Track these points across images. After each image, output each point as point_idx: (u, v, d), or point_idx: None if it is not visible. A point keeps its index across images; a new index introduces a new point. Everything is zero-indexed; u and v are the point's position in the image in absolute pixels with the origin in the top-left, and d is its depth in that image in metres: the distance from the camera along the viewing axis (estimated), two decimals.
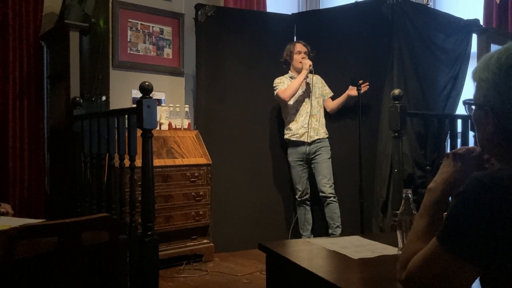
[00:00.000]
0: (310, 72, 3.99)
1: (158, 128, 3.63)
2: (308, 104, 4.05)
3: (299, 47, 4.10)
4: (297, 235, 4.17)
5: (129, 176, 2.92)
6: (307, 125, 4.00)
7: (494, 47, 3.97)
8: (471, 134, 3.58)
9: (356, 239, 1.87)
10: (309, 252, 1.75)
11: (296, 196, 4.14)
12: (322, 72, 4.22)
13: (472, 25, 4.21)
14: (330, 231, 4.00)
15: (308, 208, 4.12)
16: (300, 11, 5.53)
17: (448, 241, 0.94)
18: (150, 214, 2.79)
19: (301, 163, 4.08)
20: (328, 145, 4.07)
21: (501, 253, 0.88)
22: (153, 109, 2.77)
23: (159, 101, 3.96)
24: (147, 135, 2.77)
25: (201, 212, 3.77)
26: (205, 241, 3.85)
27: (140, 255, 2.72)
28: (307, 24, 4.49)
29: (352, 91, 3.92)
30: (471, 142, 3.64)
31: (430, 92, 4.03)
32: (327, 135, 4.08)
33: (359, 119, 3.69)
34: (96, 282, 1.77)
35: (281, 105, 4.16)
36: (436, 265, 0.96)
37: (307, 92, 4.07)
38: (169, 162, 3.63)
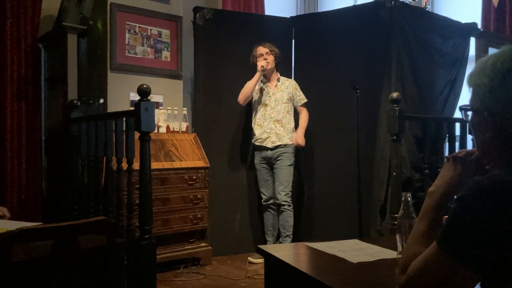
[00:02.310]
0: (264, 73, 4.02)
1: (156, 131, 3.63)
2: (274, 109, 4.03)
3: (260, 49, 4.07)
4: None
5: (127, 179, 2.91)
6: (270, 130, 4.00)
7: (492, 51, 3.97)
8: (469, 137, 3.58)
9: (354, 243, 1.86)
10: (307, 255, 1.74)
11: (262, 201, 4.08)
12: (320, 75, 4.22)
13: (470, 28, 4.22)
14: (280, 239, 3.99)
15: (274, 213, 4.06)
16: (298, 14, 5.54)
17: (448, 245, 0.93)
18: (147, 217, 2.78)
19: (265, 166, 4.06)
20: (292, 151, 4.03)
21: (501, 258, 0.88)
22: (151, 112, 2.76)
23: (157, 104, 3.95)
24: (145, 138, 2.75)
25: (199, 216, 3.76)
26: (203, 244, 3.83)
27: (138, 259, 2.70)
28: (305, 28, 4.49)
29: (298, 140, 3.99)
30: (469, 146, 3.65)
31: (428, 96, 4.03)
32: (291, 142, 4.02)
33: (357, 123, 3.68)
34: (93, 286, 1.76)
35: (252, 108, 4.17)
36: (436, 269, 0.95)
37: (273, 97, 4.05)
38: (167, 165, 3.62)
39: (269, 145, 4.00)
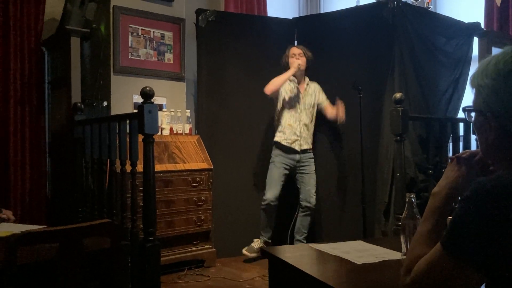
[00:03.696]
0: (300, 73, 4.04)
1: (159, 133, 3.63)
2: (304, 113, 4.05)
3: (294, 50, 4.09)
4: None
5: (131, 181, 2.92)
6: (299, 133, 4.01)
7: (495, 50, 3.97)
8: (473, 137, 3.57)
9: (359, 244, 1.86)
10: (311, 257, 1.74)
11: (266, 198, 3.98)
12: (323, 76, 4.21)
13: (473, 28, 4.21)
14: (298, 237, 4.00)
15: (274, 214, 4.03)
16: (301, 15, 5.54)
17: (452, 247, 0.93)
18: (151, 219, 2.79)
19: (285, 168, 4.02)
20: (313, 157, 4.11)
21: (506, 258, 0.88)
22: (155, 114, 2.77)
23: (160, 106, 3.96)
24: (149, 140, 2.76)
25: (202, 217, 3.76)
26: (207, 246, 3.83)
27: (142, 261, 2.71)
28: (308, 28, 4.49)
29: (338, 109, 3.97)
30: (473, 146, 3.63)
31: (432, 96, 4.02)
32: (311, 147, 4.10)
33: (360, 123, 3.68)
34: None
35: (276, 106, 4.11)
36: (441, 270, 0.95)
37: (304, 101, 4.07)
38: (170, 167, 3.63)
39: (297, 148, 4.01)
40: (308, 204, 4.00)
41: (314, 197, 4.01)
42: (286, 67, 4.08)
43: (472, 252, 0.90)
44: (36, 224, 2.68)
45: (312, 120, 4.11)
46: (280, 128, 4.08)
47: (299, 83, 4.12)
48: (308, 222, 4.03)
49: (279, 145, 4.07)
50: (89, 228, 1.72)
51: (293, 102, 4.06)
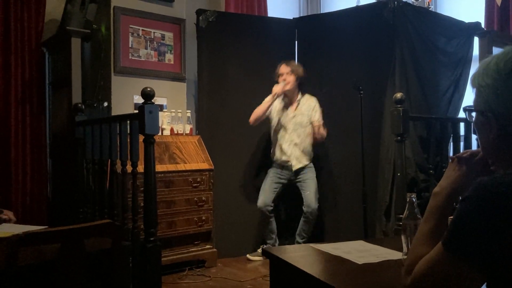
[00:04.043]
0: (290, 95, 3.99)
1: (160, 133, 3.63)
2: (294, 132, 3.99)
3: (282, 68, 3.99)
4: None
5: (131, 182, 2.92)
6: (290, 154, 3.97)
7: (496, 50, 3.97)
8: (473, 137, 3.57)
9: (360, 244, 1.86)
10: (313, 257, 1.74)
11: (259, 205, 3.99)
12: (324, 77, 4.21)
13: (473, 28, 4.21)
14: (299, 239, 3.98)
15: (271, 219, 4.04)
16: (301, 15, 5.54)
17: (453, 246, 0.93)
18: (152, 220, 2.79)
19: (282, 179, 4.02)
20: (312, 166, 4.05)
21: (506, 258, 0.88)
22: (155, 115, 2.77)
23: (161, 107, 3.96)
24: (149, 141, 2.77)
25: (203, 218, 3.76)
26: (208, 246, 3.83)
27: (143, 261, 2.71)
28: (308, 29, 4.49)
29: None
30: (474, 146, 3.63)
31: (432, 96, 4.02)
32: (309, 162, 4.03)
33: (361, 123, 3.68)
34: None
35: (271, 123, 4.12)
36: (442, 270, 0.95)
37: (293, 121, 4.00)
38: (171, 167, 3.63)
39: (289, 169, 4.00)
40: (307, 209, 3.93)
41: (315, 201, 3.94)
42: (277, 81, 4.03)
43: (473, 252, 0.90)
44: (37, 225, 2.67)
45: (304, 138, 4.00)
46: (273, 146, 4.09)
47: (290, 101, 4.05)
48: (308, 227, 3.96)
49: (273, 161, 4.09)
50: (90, 228, 1.72)
51: (282, 123, 4.03)
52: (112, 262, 1.76)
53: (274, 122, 4.07)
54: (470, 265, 0.91)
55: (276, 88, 3.93)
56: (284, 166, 4.01)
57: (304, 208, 3.96)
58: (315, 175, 4.04)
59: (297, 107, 4.03)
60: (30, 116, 3.92)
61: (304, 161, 4.00)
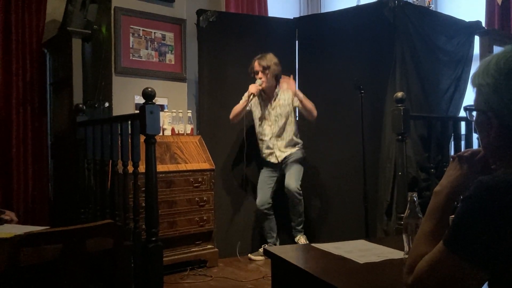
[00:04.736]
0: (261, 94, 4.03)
1: (161, 133, 3.63)
2: (274, 124, 4.03)
3: (255, 66, 4.00)
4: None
5: (133, 182, 2.92)
6: (272, 146, 4.04)
7: (496, 49, 3.97)
8: (474, 136, 3.57)
9: (361, 243, 1.86)
10: (314, 256, 1.74)
11: (257, 204, 4.06)
12: (324, 76, 4.21)
13: (474, 27, 4.20)
14: (294, 225, 4.05)
15: (270, 217, 4.06)
16: (302, 15, 5.54)
17: (455, 245, 0.93)
18: (154, 220, 2.79)
19: (269, 172, 4.09)
20: (298, 150, 4.06)
21: (508, 257, 0.88)
22: (156, 115, 2.77)
23: (162, 107, 3.96)
24: (150, 141, 2.77)
25: (205, 218, 3.76)
26: (209, 246, 3.84)
27: (144, 261, 2.72)
28: (309, 28, 4.49)
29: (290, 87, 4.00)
30: (475, 144, 3.63)
31: (433, 95, 4.02)
32: (297, 148, 4.06)
33: (362, 123, 3.68)
34: None
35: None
36: (443, 269, 0.95)
37: (271, 114, 4.04)
38: (172, 167, 3.63)
39: (274, 161, 4.05)
40: (286, 190, 3.93)
41: (294, 181, 3.91)
42: (253, 78, 4.05)
43: (475, 250, 0.90)
44: (39, 225, 2.68)
45: (286, 128, 4.04)
46: (258, 141, 4.14)
47: (268, 96, 4.08)
48: (294, 206, 3.97)
49: (262, 159, 4.15)
50: (92, 229, 1.72)
51: (262, 116, 4.07)
52: (114, 262, 1.76)
53: (255, 116, 4.12)
54: (471, 264, 0.91)
55: (252, 89, 3.94)
56: (270, 159, 4.06)
57: (285, 190, 3.97)
58: (300, 157, 4.04)
59: (275, 99, 4.07)
60: (31, 116, 3.92)
61: (288, 151, 4.03)
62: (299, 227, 4.06)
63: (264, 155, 4.09)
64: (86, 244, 1.63)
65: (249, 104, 4.03)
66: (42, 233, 1.61)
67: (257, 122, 4.11)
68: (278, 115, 4.04)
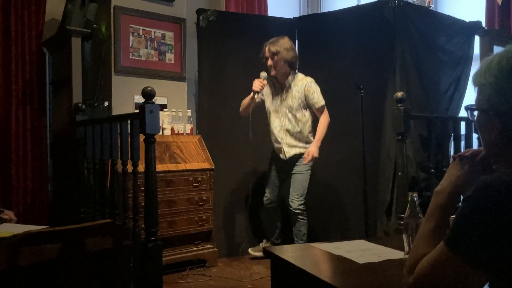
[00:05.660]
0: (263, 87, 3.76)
1: (160, 133, 3.63)
2: (284, 117, 3.79)
3: (266, 51, 3.76)
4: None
5: (132, 181, 2.92)
6: (281, 140, 3.80)
7: (496, 49, 3.97)
8: (474, 136, 3.56)
9: (361, 243, 1.86)
10: (314, 257, 1.74)
11: (264, 200, 3.93)
12: (325, 76, 4.20)
13: (474, 27, 4.20)
14: (297, 240, 3.81)
15: (274, 216, 3.98)
16: (302, 15, 5.53)
17: (456, 245, 0.93)
18: (153, 219, 2.78)
19: (275, 170, 3.92)
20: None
21: (509, 258, 0.87)
22: (156, 114, 2.77)
23: (161, 106, 3.95)
24: (150, 140, 2.76)
25: (204, 217, 3.76)
26: (209, 246, 3.83)
27: (144, 261, 2.71)
28: (309, 28, 4.49)
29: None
30: (475, 144, 3.63)
31: (433, 95, 4.02)
32: (307, 147, 3.76)
33: (362, 122, 3.67)
34: None
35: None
36: (444, 269, 0.95)
37: (281, 106, 3.81)
38: (171, 167, 3.63)
39: (282, 156, 3.83)
40: (290, 208, 3.76)
41: (297, 201, 3.72)
42: (265, 64, 3.82)
43: (476, 251, 0.90)
44: (38, 225, 2.67)
45: (297, 123, 3.77)
46: (270, 132, 3.94)
47: (280, 84, 3.82)
48: (297, 227, 3.76)
49: (272, 150, 3.99)
50: (91, 228, 1.72)
51: (273, 107, 3.86)
52: (113, 261, 1.76)
53: (266, 106, 3.91)
54: (472, 264, 0.90)
55: (254, 86, 3.70)
56: (280, 155, 3.87)
57: (289, 207, 3.80)
58: (308, 168, 3.77)
59: (288, 89, 3.78)
60: (30, 116, 3.91)
61: (298, 149, 3.76)
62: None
63: (274, 148, 3.92)
64: (85, 243, 1.63)
65: (259, 96, 3.76)
66: (41, 233, 1.61)
67: (268, 112, 3.90)
68: (288, 107, 3.76)
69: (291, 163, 3.82)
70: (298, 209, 3.72)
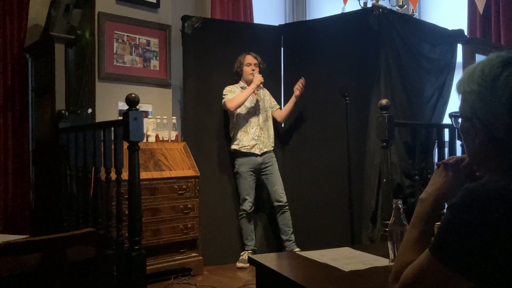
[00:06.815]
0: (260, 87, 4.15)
1: (145, 140, 3.59)
2: (258, 116, 4.15)
3: (249, 59, 4.14)
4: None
5: (116, 189, 2.88)
6: (257, 137, 4.09)
7: (478, 57, 4.02)
8: (458, 143, 3.60)
9: (346, 251, 1.86)
10: (299, 265, 1.73)
11: (245, 208, 4.05)
12: (310, 83, 4.22)
13: (457, 35, 4.26)
14: (285, 237, 4.08)
15: (251, 220, 4.13)
16: (287, 22, 5.56)
17: (441, 253, 0.93)
18: (137, 228, 2.75)
19: (252, 173, 4.09)
20: (274, 156, 4.19)
21: (494, 265, 0.87)
22: (140, 121, 2.74)
23: (146, 113, 3.93)
24: (134, 148, 2.74)
25: (189, 225, 3.73)
26: (194, 254, 3.80)
27: (127, 270, 2.67)
28: (294, 35, 4.50)
29: (296, 92, 4.10)
30: (459, 151, 3.66)
31: (417, 102, 4.05)
32: (273, 148, 4.20)
33: (347, 129, 3.69)
34: None
35: (229, 115, 4.16)
36: (429, 277, 0.95)
37: (257, 105, 4.16)
38: (156, 174, 3.59)
39: (257, 152, 4.07)
40: (279, 203, 4.09)
41: (283, 194, 4.11)
42: (237, 74, 4.19)
43: (460, 259, 0.89)
44: (20, 234, 2.63)
45: (267, 122, 4.20)
46: (236, 136, 4.10)
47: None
48: (287, 219, 4.10)
49: (238, 153, 4.10)
50: (73, 237, 1.68)
51: (249, 108, 4.12)
52: (95, 271, 1.72)
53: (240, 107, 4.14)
54: (457, 272, 0.90)
55: (260, 77, 4.05)
56: (251, 153, 4.06)
57: (275, 203, 4.10)
58: (278, 168, 4.18)
59: (257, 93, 4.19)
60: (12, 123, 3.86)
61: (269, 146, 4.16)
62: (293, 237, 4.09)
63: (246, 147, 4.05)
64: (66, 253, 1.59)
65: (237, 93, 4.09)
66: (21, 242, 1.57)
67: (243, 113, 4.10)
68: (262, 108, 4.19)
69: (264, 163, 4.12)
70: (286, 202, 4.12)
